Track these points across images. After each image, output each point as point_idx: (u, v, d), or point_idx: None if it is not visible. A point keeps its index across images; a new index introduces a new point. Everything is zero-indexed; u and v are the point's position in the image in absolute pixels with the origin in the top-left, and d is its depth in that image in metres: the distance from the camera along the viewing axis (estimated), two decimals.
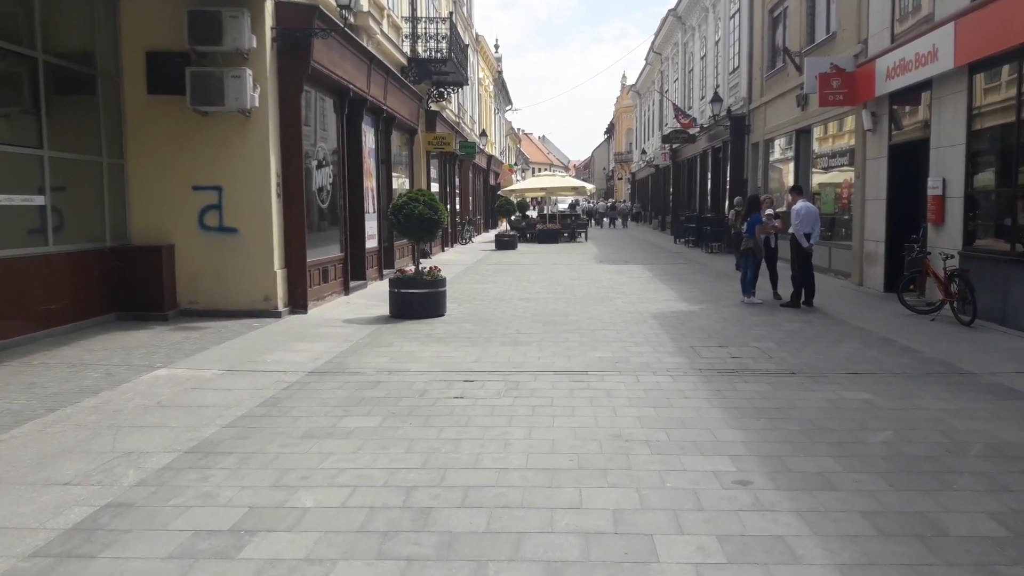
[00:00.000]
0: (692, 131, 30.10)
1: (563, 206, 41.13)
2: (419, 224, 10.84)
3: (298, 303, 11.39)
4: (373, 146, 15.91)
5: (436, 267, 11.37)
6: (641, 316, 11.16)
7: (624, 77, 79.55)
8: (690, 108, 33.46)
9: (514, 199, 36.57)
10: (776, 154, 21.56)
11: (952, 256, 10.78)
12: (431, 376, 7.44)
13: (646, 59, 49.53)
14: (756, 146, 22.93)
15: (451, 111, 28.43)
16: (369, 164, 15.52)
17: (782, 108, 20.04)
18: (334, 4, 12.10)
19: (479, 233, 38.37)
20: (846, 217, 15.93)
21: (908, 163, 13.51)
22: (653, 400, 6.53)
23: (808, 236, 11.97)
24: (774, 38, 21.62)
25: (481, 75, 40.77)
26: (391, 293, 11.17)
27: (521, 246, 28.73)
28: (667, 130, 37.12)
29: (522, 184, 41.40)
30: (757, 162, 22.87)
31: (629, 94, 65.63)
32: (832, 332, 9.85)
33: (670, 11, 37.26)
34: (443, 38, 19.54)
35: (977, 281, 10.12)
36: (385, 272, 16.37)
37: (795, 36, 18.94)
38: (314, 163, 12.22)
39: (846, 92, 14.68)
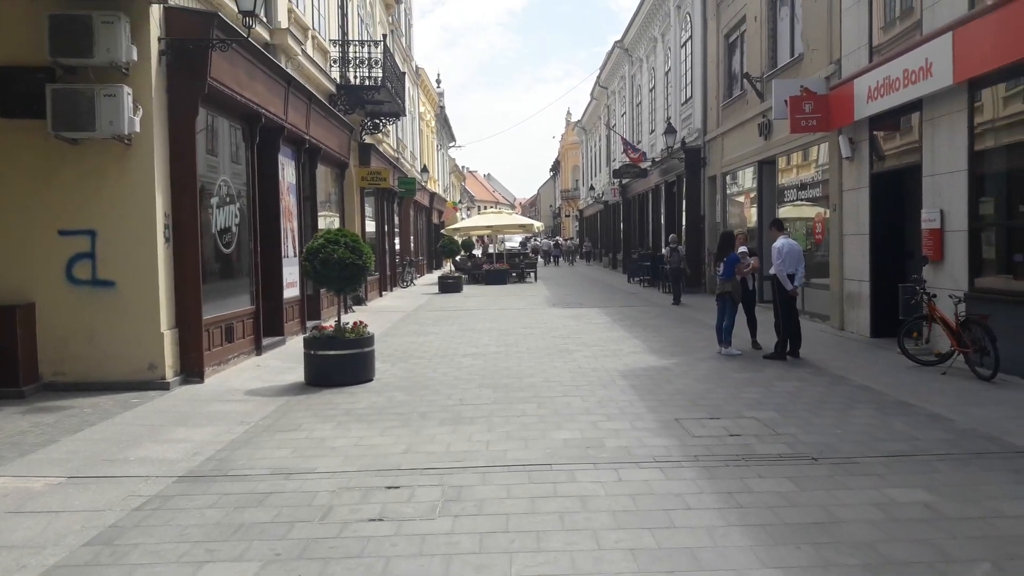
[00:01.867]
0: (643, 165, 28.90)
1: (511, 244, 39.57)
2: (339, 271, 8.97)
3: (192, 370, 9.36)
4: (293, 181, 14.01)
5: (361, 322, 9.48)
6: (608, 375, 9.43)
7: (569, 113, 79.30)
8: (639, 142, 32.38)
9: (458, 238, 34.81)
10: (736, 187, 20.32)
11: (960, 299, 9.35)
12: (342, 481, 5.53)
13: (591, 94, 48.78)
14: (713, 179, 21.69)
15: (389, 145, 26.69)
16: (288, 201, 13.60)
17: (742, 138, 18.83)
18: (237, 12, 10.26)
19: (421, 275, 36.47)
20: (821, 254, 14.58)
21: (893, 193, 12.21)
22: (646, 516, 4.74)
23: (792, 277, 10.46)
24: (730, 65, 20.52)
25: (422, 109, 39.23)
26: (306, 356, 9.23)
27: (467, 288, 26.94)
28: (616, 165, 36.02)
29: (467, 222, 39.73)
30: (715, 196, 21.61)
31: (575, 130, 64.97)
32: (836, 394, 8.25)
33: (616, 43, 36.41)
34: (376, 63, 17.84)
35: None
36: (309, 324, 14.34)
37: (755, 61, 17.80)
38: (215, 201, 10.27)
39: (819, 117, 13.39)
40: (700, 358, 10.66)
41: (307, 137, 14.19)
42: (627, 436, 6.59)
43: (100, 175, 8.86)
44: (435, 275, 32.01)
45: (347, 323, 9.40)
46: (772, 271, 10.61)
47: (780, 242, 10.54)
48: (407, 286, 28.88)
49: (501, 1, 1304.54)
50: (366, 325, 9.47)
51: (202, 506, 5.07)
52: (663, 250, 21.47)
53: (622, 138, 33.55)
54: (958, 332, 9.04)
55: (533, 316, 16.97)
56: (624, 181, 34.25)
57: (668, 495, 5.11)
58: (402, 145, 30.95)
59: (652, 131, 30.54)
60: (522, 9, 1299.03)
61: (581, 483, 5.38)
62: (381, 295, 23.74)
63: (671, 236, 21.44)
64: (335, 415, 7.58)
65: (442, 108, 48.00)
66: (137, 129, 8.66)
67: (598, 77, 44.93)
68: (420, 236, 38.48)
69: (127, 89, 8.46)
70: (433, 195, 41.90)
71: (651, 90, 31.06)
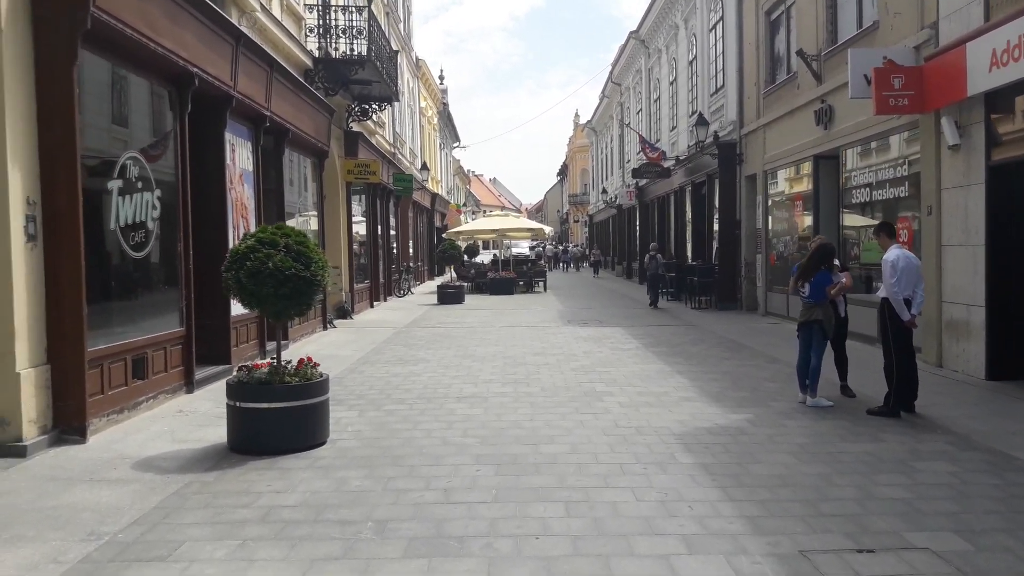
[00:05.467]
0: (666, 164, 26.05)
1: (517, 251, 36.79)
2: (276, 286, 6.15)
3: (70, 425, 6.56)
4: (250, 167, 11.20)
5: (309, 359, 6.65)
6: (661, 442, 6.58)
7: (577, 116, 76.64)
8: (657, 141, 29.56)
9: (461, 242, 31.99)
10: (781, 187, 17.47)
11: None
12: None
13: (603, 92, 46.02)
14: (752, 179, 18.84)
15: (383, 138, 23.93)
16: (241, 192, 10.79)
17: (791, 129, 15.99)
18: None
19: (421, 282, 33.67)
20: None
21: (1018, 191, 9.39)
22: None
23: (909, 303, 7.62)
24: (773, 45, 17.70)
25: (423, 104, 36.50)
26: (229, 409, 6.41)
27: (470, 299, 24.11)
28: (633, 165, 33.18)
29: (471, 225, 36.89)
30: (754, 198, 18.76)
31: (584, 132, 62.19)
32: (1019, 488, 5.40)
33: (631, 34, 33.63)
34: (360, 34, 15.06)
35: None
36: (270, 347, 11.54)
37: (809, 37, 14.97)
38: (116, 185, 7.46)
39: (912, 94, 10.56)
40: (780, 411, 7.81)
41: (268, 114, 11.39)
42: None
43: None
44: (436, 283, 29.20)
45: (288, 362, 6.58)
46: (881, 293, 7.77)
47: (894, 254, 7.67)
48: (403, 295, 26.08)
49: (504, 6, 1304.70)
50: (316, 364, 6.64)
51: None
52: (645, 260, 23.61)
53: (639, 136, 30.73)
54: None
55: (546, 337, 14.13)
56: (641, 183, 31.43)
57: None
58: (400, 140, 28.20)
59: (673, 127, 27.74)
60: (525, 15, 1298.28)
61: None
62: (372, 306, 20.97)
63: (652, 245, 23.70)
64: (244, 523, 4.75)
65: (445, 105, 45.30)
66: None
67: (610, 74, 42.17)
68: (420, 240, 35.69)
69: None
70: (435, 196, 39.12)
71: (672, 83, 28.26)
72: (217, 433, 6.77)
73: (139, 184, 7.83)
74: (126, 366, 7.44)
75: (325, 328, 15.23)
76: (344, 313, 17.43)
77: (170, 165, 8.65)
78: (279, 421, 6.24)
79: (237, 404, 6.30)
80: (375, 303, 21.40)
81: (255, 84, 10.82)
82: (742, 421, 7.36)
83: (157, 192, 8.21)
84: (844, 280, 8.54)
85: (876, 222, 12.79)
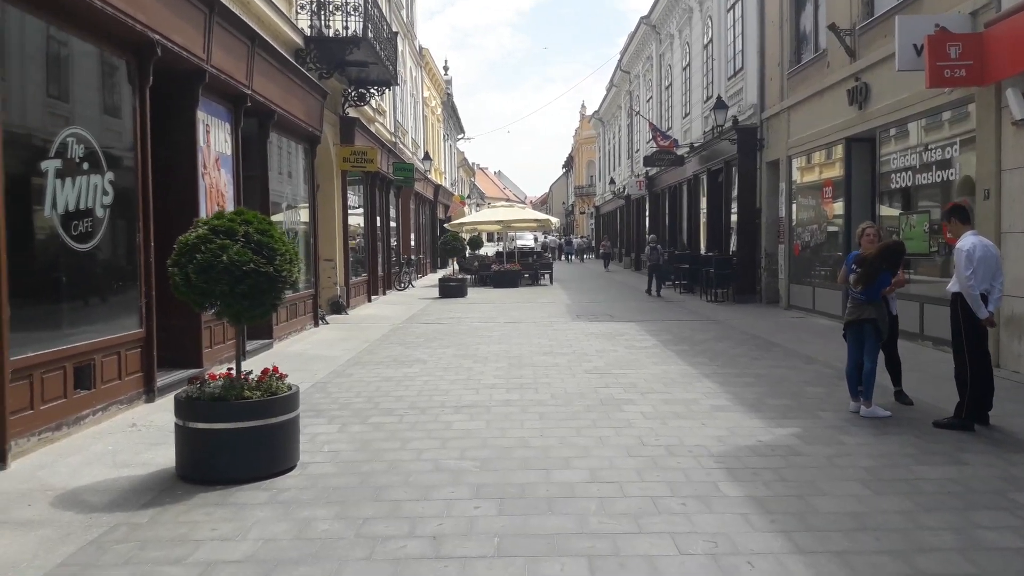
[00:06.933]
0: (680, 151, 24.86)
1: (522, 243, 35.53)
2: (232, 283, 5.05)
3: None
4: (228, 151, 10.09)
5: (275, 369, 5.55)
6: (699, 467, 5.46)
7: (583, 107, 75.44)
8: (669, 129, 28.37)
9: (465, 234, 30.86)
10: (807, 173, 16.30)
11: None
12: None
13: (611, 81, 44.80)
14: (774, 164, 17.65)
15: (383, 126, 22.80)
16: (217, 178, 9.68)
17: (819, 111, 14.82)
18: None
19: (423, 275, 32.56)
20: (951, 260, 10.55)
21: None
22: None
23: (985, 298, 6.48)
24: (798, 22, 16.51)
25: (427, 94, 35.34)
26: (177, 431, 5.32)
27: (473, 292, 23.01)
28: (643, 154, 31.98)
29: (474, 216, 35.72)
30: (776, 185, 17.58)
31: (591, 123, 60.98)
32: None
33: (642, 19, 32.39)
34: (356, 10, 13.94)
35: None
36: (249, 346, 10.47)
37: (841, 9, 13.78)
38: (52, 166, 6.35)
39: (970, 65, 9.40)
40: (832, 423, 6.69)
41: (249, 93, 10.29)
42: None
43: None
44: (439, 276, 28.07)
45: (250, 372, 5.48)
46: (953, 287, 6.62)
47: (969, 242, 6.51)
48: (404, 289, 24.99)
49: (510, 1, 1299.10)
50: (283, 376, 5.54)
51: None
52: (644, 251, 24.92)
53: (650, 123, 29.54)
54: None
55: (555, 334, 13.01)
56: (652, 172, 30.25)
57: None
58: (401, 129, 27.07)
59: (687, 114, 26.55)
60: (530, 9, 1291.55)
61: None
62: (370, 300, 19.89)
63: (650, 236, 25.47)
64: None
65: (449, 96, 44.07)
66: None
67: (619, 62, 40.96)
68: (422, 232, 34.59)
69: None
70: (438, 188, 37.98)
71: (685, 68, 27.06)
72: (168, 454, 5.67)
73: (84, 166, 6.72)
74: (66, 375, 6.36)
75: (317, 324, 14.15)
76: (339, 308, 16.35)
77: (127, 145, 7.54)
78: (236, 444, 5.15)
79: (186, 424, 5.21)
80: (373, 297, 20.32)
81: (233, 59, 9.71)
82: (790, 437, 6.23)
83: (109, 175, 7.11)
84: (900, 275, 7.41)
85: (919, 210, 11.71)
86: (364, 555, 4.00)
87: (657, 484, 5.06)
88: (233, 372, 5.40)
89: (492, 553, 3.99)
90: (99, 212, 6.95)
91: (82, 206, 6.68)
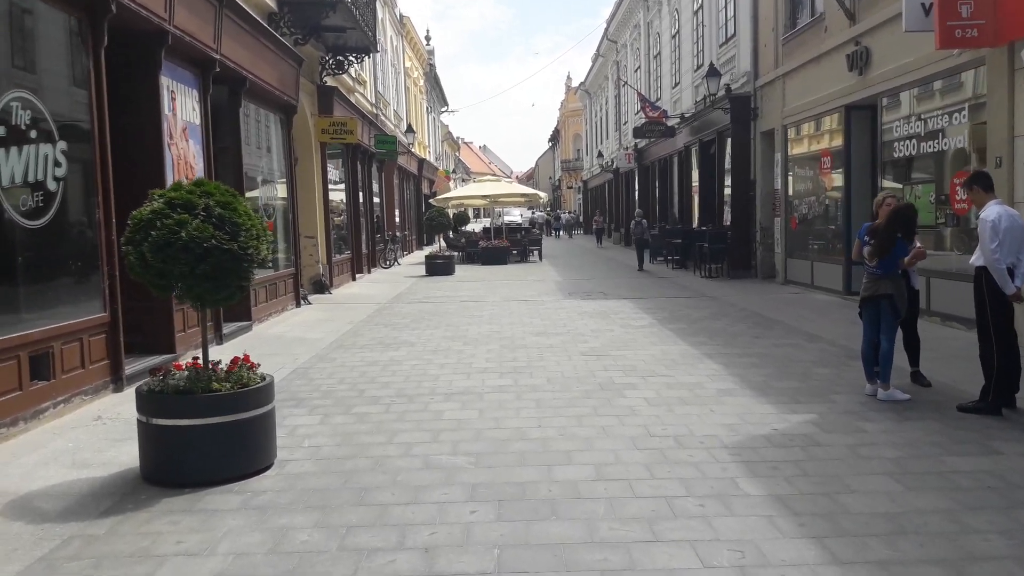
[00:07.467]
0: (671, 122, 24.30)
1: (509, 219, 34.93)
2: (193, 263, 4.52)
3: None
4: (197, 120, 9.46)
5: (246, 358, 5.04)
6: (713, 461, 5.01)
7: (569, 79, 74.33)
8: (658, 100, 27.77)
9: (451, 210, 30.20)
10: (804, 143, 15.82)
11: None
12: None
13: (597, 52, 43.99)
14: (769, 134, 17.16)
15: (363, 96, 22.09)
16: (185, 149, 9.07)
17: (816, 77, 14.31)
18: None
19: (409, 252, 31.98)
20: (959, 229, 10.16)
21: None
22: None
23: (1012, 272, 6.05)
24: None
25: (408, 65, 34.50)
26: (139, 427, 4.82)
27: (461, 269, 22.47)
28: (631, 126, 31.38)
29: (460, 191, 35.04)
30: (772, 156, 17.09)
31: (577, 95, 60.07)
32: None
33: None
34: None
35: None
36: (226, 328, 9.93)
37: None
38: None
39: (982, 24, 8.91)
40: (848, 408, 6.27)
41: (218, 58, 9.65)
42: None
43: None
44: (425, 253, 27.48)
45: (218, 361, 4.96)
46: (976, 260, 6.18)
47: (994, 211, 6.06)
48: (389, 266, 24.42)
49: None
50: (255, 366, 5.03)
51: None
52: (630, 225, 25.53)
53: (638, 93, 28.91)
54: None
55: (547, 313, 12.55)
56: (641, 144, 29.68)
57: None
58: (383, 101, 26.32)
59: (676, 84, 25.95)
60: None
61: None
62: (354, 279, 19.32)
63: (637, 211, 25.48)
64: None
65: (432, 67, 43.15)
66: None
67: (605, 31, 40.14)
68: (407, 208, 33.94)
69: None
70: (423, 162, 37.27)
71: (674, 36, 26.40)
72: (133, 451, 5.14)
73: (32, 134, 6.12)
74: (20, 365, 5.82)
75: (299, 305, 13.61)
76: (322, 288, 15.79)
77: (82, 113, 6.94)
78: (204, 442, 4.65)
79: (150, 421, 4.71)
80: (357, 275, 19.75)
81: (199, 21, 9.06)
82: (807, 424, 5.80)
83: (62, 145, 6.51)
84: (919, 246, 6.97)
85: (924, 180, 11.28)
86: (348, 573, 3.52)
87: (670, 481, 4.62)
88: (200, 362, 4.89)
89: (492, 569, 3.52)
90: (51, 185, 6.37)
91: (31, 178, 6.10)
